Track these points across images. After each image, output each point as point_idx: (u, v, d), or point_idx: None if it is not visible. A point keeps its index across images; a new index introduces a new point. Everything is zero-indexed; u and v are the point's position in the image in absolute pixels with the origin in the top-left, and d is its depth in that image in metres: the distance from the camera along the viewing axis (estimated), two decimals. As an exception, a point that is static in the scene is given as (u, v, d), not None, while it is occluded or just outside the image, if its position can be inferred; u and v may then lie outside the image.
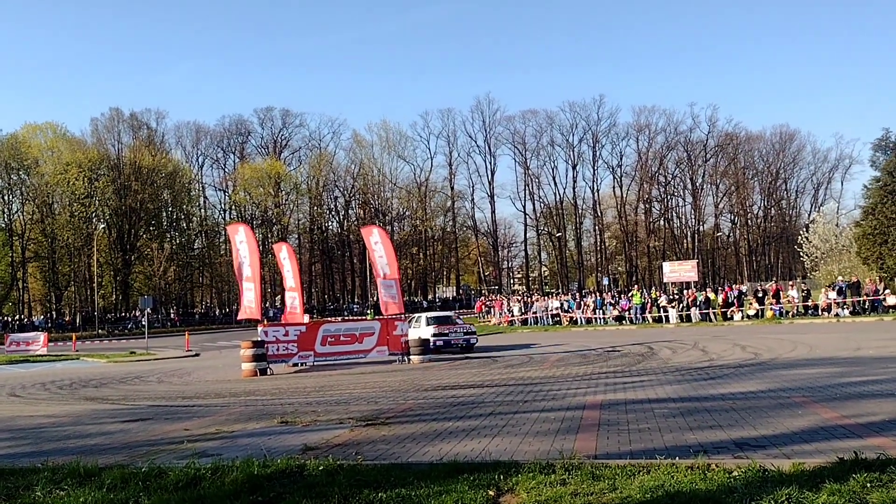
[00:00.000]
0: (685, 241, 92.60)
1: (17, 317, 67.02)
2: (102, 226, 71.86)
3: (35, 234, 68.99)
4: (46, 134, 72.75)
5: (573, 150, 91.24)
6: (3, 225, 68.64)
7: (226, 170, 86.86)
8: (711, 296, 36.61)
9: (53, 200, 69.72)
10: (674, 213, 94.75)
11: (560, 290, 75.24)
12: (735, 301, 34.67)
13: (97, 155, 71.55)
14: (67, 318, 67.15)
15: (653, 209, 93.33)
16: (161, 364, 25.93)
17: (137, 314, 61.83)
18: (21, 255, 67.93)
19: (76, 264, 69.49)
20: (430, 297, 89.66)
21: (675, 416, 8.51)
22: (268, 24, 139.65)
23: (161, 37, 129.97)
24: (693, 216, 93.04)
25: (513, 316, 41.83)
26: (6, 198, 68.69)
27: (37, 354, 35.04)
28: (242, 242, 21.69)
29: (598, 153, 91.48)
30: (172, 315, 70.06)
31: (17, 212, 69.90)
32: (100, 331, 59.34)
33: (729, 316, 33.72)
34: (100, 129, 77.46)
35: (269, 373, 18.56)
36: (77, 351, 36.44)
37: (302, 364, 19.92)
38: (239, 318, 23.55)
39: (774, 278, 70.23)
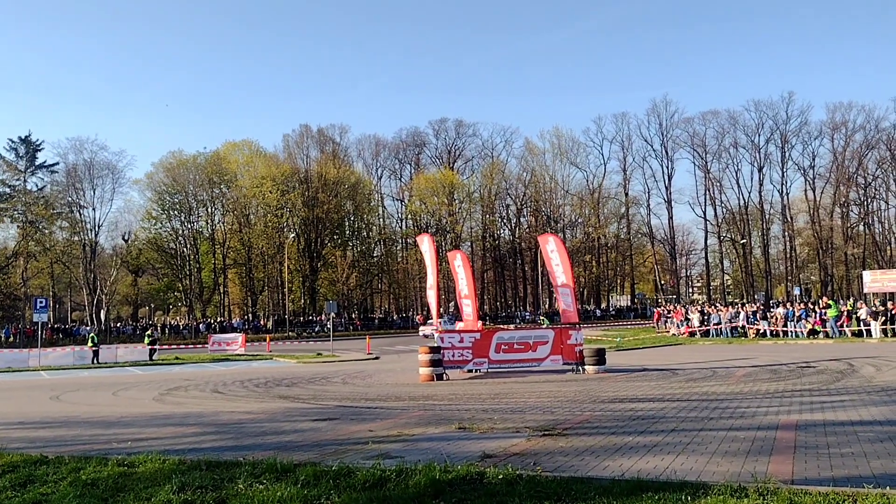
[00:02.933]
0: (888, 247, 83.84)
1: (219, 319, 73.70)
2: (292, 235, 77.25)
3: (234, 242, 75.40)
4: (243, 151, 79.42)
5: (759, 152, 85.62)
6: (208, 234, 75.76)
7: (402, 180, 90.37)
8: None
9: (250, 212, 75.89)
10: (875, 218, 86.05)
11: (745, 300, 70.87)
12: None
13: (288, 169, 77.09)
14: (262, 321, 72.70)
15: (850, 213, 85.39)
16: (345, 366, 27.31)
17: (323, 318, 65.91)
18: (222, 261, 74.62)
19: (269, 270, 75.25)
20: (603, 305, 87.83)
21: (882, 441, 7.72)
22: (440, 40, 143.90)
23: (343, 57, 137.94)
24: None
25: (692, 327, 39.92)
26: (209, 209, 75.73)
27: (236, 354, 38.15)
28: (427, 252, 22.67)
29: (787, 154, 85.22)
30: (354, 319, 73.68)
31: (219, 222, 76.90)
32: (290, 333, 63.80)
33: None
34: (290, 144, 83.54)
35: (445, 378, 18.99)
36: (270, 351, 39.30)
37: (476, 370, 20.18)
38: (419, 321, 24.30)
39: None
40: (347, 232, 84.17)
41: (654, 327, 48.78)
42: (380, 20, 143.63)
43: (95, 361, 32.89)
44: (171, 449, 8.57)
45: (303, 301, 77.63)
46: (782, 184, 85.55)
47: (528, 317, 78.23)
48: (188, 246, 73.64)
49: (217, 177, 74.18)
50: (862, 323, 33.14)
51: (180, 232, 73.75)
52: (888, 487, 5.40)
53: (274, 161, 78.50)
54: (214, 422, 11.95)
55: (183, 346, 48.37)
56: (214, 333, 50.69)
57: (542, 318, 61.71)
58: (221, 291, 77.31)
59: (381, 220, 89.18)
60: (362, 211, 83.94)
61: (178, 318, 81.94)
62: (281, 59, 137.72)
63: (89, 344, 34.13)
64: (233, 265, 76.49)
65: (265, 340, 46.57)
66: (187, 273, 72.86)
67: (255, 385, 19.45)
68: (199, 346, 47.64)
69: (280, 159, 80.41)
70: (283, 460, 7.18)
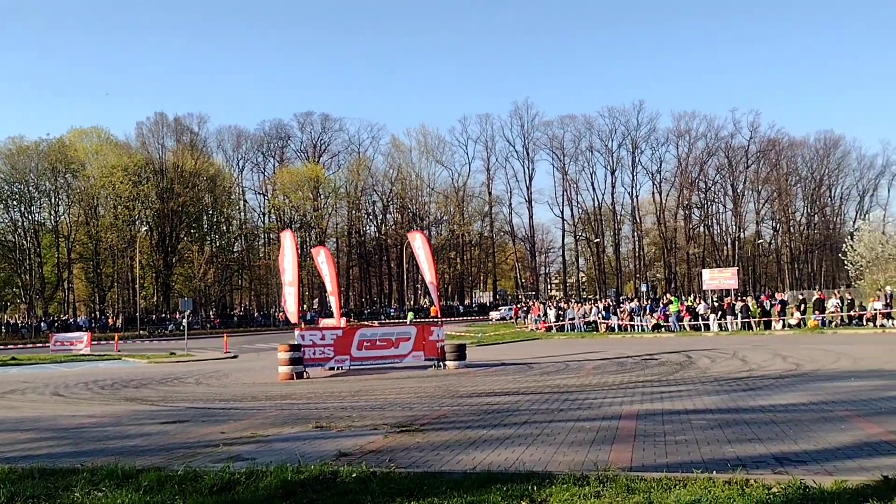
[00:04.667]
0: (725, 247, 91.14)
1: (63, 317, 68.73)
2: (145, 228, 73.46)
3: (80, 235, 70.66)
4: (92, 138, 74.41)
5: (612, 156, 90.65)
6: (51, 226, 70.50)
7: (265, 174, 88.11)
8: (751, 304, 35.89)
9: (98, 203, 71.34)
10: (714, 220, 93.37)
11: (598, 297, 74.62)
12: (776, 309, 33.98)
13: (141, 158, 73.16)
14: (110, 319, 68.61)
15: (692, 215, 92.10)
16: (200, 366, 26.28)
17: (178, 316, 62.90)
18: (67, 256, 69.66)
19: (119, 266, 71.06)
20: (466, 301, 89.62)
21: (713, 429, 8.35)
22: (306, 30, 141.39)
23: (203, 42, 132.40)
24: (734, 223, 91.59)
25: (549, 322, 41.56)
26: (53, 200, 70.50)
27: (80, 354, 35.77)
28: (288, 247, 22.34)
29: (637, 158, 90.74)
30: (212, 317, 71.08)
31: (63, 214, 71.75)
32: (141, 331, 60.49)
33: (769, 325, 33.06)
34: (144, 132, 79.31)
35: (305, 376, 18.69)
36: (119, 351, 37.12)
37: (338, 368, 20.00)
38: (281, 320, 23.84)
39: (817, 287, 68.78)
40: (205, 226, 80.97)
41: (514, 323, 50.34)
42: (243, 9, 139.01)
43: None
44: (1, 457, 7.92)
45: (156, 298, 73.90)
46: (633, 186, 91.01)
47: (393, 313, 78.48)
48: (28, 239, 68.14)
49: (62, 165, 69.03)
50: (701, 318, 35.76)
51: (20, 223, 68.09)
52: (715, 472, 5.84)
53: (126, 150, 74.18)
54: (52, 427, 11.15)
55: (21, 346, 44.79)
56: (57, 332, 47.27)
57: (410, 313, 62.17)
58: (66, 287, 72.20)
59: (243, 214, 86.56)
60: (222, 204, 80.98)
61: (16, 315, 75.64)
62: (135, 43, 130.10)
63: None
64: (79, 260, 71.60)
65: (114, 339, 43.90)
66: (27, 268, 67.45)
67: (101, 387, 18.31)
68: (40, 345, 44.30)
69: (133, 148, 76.12)
70: (124, 466, 6.80)
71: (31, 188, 67.63)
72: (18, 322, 66.71)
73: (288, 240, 22.59)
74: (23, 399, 15.84)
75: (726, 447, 7.22)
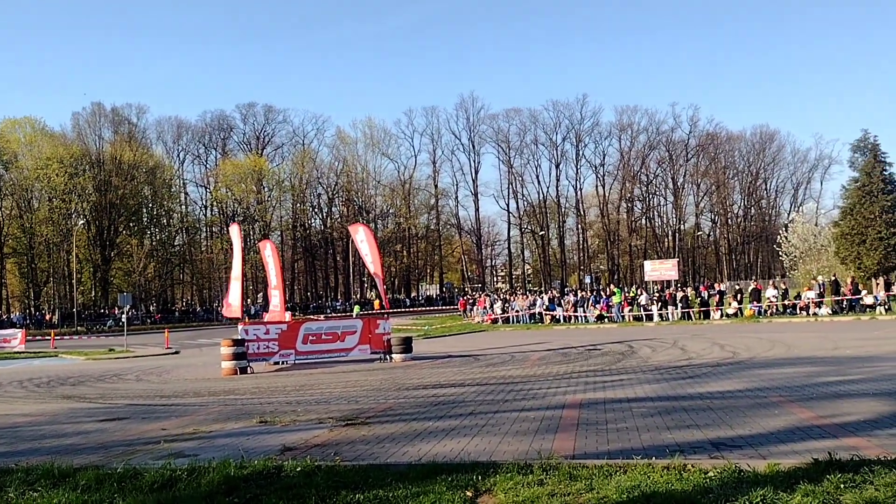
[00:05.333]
0: (666, 239, 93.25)
1: (-5, 313, 66.30)
2: (82, 222, 71.23)
3: (13, 229, 68.24)
4: (25, 129, 71.98)
5: (556, 149, 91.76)
6: (-19, 220, 67.88)
7: (207, 166, 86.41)
8: (691, 294, 36.87)
9: (32, 196, 68.98)
10: (655, 213, 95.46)
11: (543, 289, 75.51)
12: (715, 299, 34.97)
13: (78, 150, 71.00)
14: (46, 315, 66.45)
15: (635, 208, 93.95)
16: (140, 362, 25.71)
17: (117, 311, 61.25)
18: (-1, 250, 67.19)
19: (55, 260, 68.93)
20: (413, 294, 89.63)
21: (653, 416, 8.55)
22: (249, 19, 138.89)
23: (142, 29, 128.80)
24: (674, 215, 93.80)
25: (495, 314, 41.90)
26: (-17, 193, 67.87)
27: (14, 351, 34.65)
28: (235, 240, 22.18)
29: (581, 152, 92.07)
30: (153, 312, 69.50)
31: (-6, 207, 69.09)
32: (79, 328, 58.72)
33: (707, 315, 34.01)
34: (81, 123, 77.06)
35: (249, 371, 18.45)
36: (55, 348, 36.04)
37: (283, 363, 19.81)
38: (224, 315, 23.45)
39: (754, 277, 70.98)
40: (145, 219, 79.12)
41: (460, 315, 50.57)
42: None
43: None
44: (-74, 461, 7.60)
45: (94, 293, 71.88)
46: (576, 179, 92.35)
47: (339, 306, 77.95)
48: (-44, 233, 65.46)
49: (-7, 157, 66.51)
50: (643, 308, 36.56)
51: (-53, 217, 65.38)
52: (654, 458, 6.00)
53: (61, 141, 71.81)
54: (-17, 428, 10.75)
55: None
56: (-12, 329, 45.52)
57: (356, 306, 61.82)
58: (-2, 283, 69.59)
59: (184, 207, 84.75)
60: (162, 197, 79.23)
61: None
62: (67, 31, 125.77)
63: None
64: (12, 254, 69.06)
65: (50, 336, 42.54)
66: (-44, 263, 64.86)
67: (36, 385, 17.75)
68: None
69: (68, 139, 73.69)
70: (61, 465, 6.61)
71: (-41, 180, 65.00)
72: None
73: (235, 234, 22.41)
74: (-49, 399, 15.23)
75: (665, 434, 7.40)
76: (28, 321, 60.40)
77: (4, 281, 70.45)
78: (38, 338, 43.68)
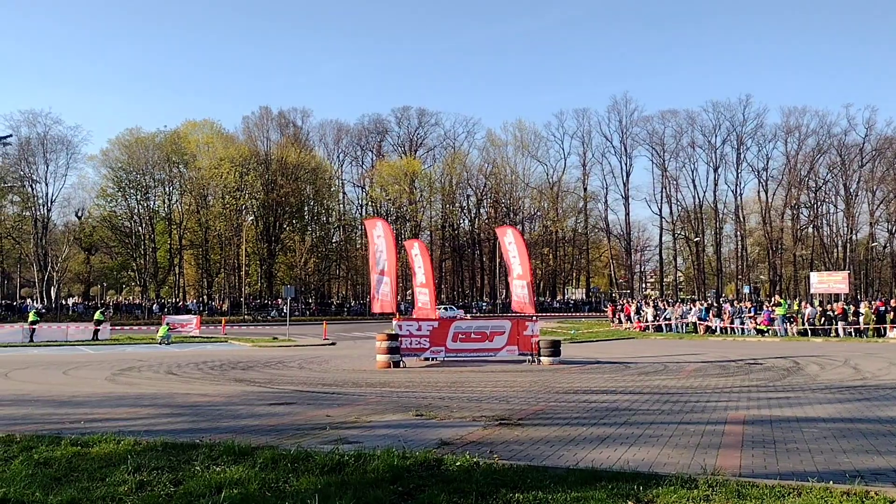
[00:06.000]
0: (836, 250, 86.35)
1: (173, 300, 72.49)
2: (251, 217, 76.30)
3: (191, 223, 74.13)
4: (204, 130, 77.97)
5: (715, 152, 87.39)
6: (164, 214, 74.42)
7: (363, 167, 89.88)
8: (864, 309, 33.97)
9: (208, 192, 74.61)
10: (824, 221, 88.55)
11: (697, 297, 72.41)
12: (891, 316, 32.04)
13: (247, 151, 75.99)
14: (217, 304, 71.79)
15: (801, 216, 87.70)
16: (301, 351, 27.18)
17: (280, 302, 65.29)
18: (178, 242, 73.39)
19: (226, 253, 74.28)
20: (559, 298, 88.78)
21: (826, 438, 8.03)
22: (405, 26, 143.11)
23: (307, 39, 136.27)
24: (845, 224, 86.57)
25: (645, 321, 40.68)
26: (167, 189, 74.32)
27: (190, 336, 37.63)
28: (380, 237, 22.80)
29: (742, 155, 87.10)
30: (311, 305, 73.23)
31: (176, 202, 75.51)
32: (245, 316, 63.11)
33: (882, 332, 31.24)
34: (250, 126, 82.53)
35: (401, 365, 19.06)
36: (226, 334, 38.82)
37: (433, 359, 20.29)
38: (373, 310, 24.21)
39: (940, 294, 64.26)
40: (307, 217, 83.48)
41: (609, 321, 49.46)
42: (345, 2, 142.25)
43: (31, 340, 31.82)
44: (126, 430, 8.48)
45: (259, 285, 76.85)
46: (736, 184, 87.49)
47: (484, 307, 78.70)
48: (143, 225, 72.06)
49: (176, 156, 72.75)
50: (807, 322, 34.16)
51: (136, 211, 72.13)
52: (831, 482, 5.63)
53: (233, 142, 77.35)
54: (169, 403, 11.84)
55: (136, 327, 47.52)
56: (168, 314, 49.83)
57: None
58: (176, 272, 76.03)
59: (342, 205, 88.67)
60: (322, 196, 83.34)
61: (131, 297, 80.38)
62: (244, 39, 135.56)
63: (30, 320, 33.31)
64: (189, 246, 75.26)
65: (220, 323, 45.98)
66: (142, 252, 71.42)
67: (210, 367, 19.26)
68: (153, 326, 46.84)
69: (239, 140, 79.27)
70: (241, 443, 7.18)
71: (146, 177, 71.42)
72: (133, 304, 70.91)
73: (380, 228, 23.00)
74: (139, 377, 16.84)
75: (841, 457, 6.93)
76: (202, 308, 65.58)
77: (182, 270, 76.86)
78: (209, 324, 47.17)
